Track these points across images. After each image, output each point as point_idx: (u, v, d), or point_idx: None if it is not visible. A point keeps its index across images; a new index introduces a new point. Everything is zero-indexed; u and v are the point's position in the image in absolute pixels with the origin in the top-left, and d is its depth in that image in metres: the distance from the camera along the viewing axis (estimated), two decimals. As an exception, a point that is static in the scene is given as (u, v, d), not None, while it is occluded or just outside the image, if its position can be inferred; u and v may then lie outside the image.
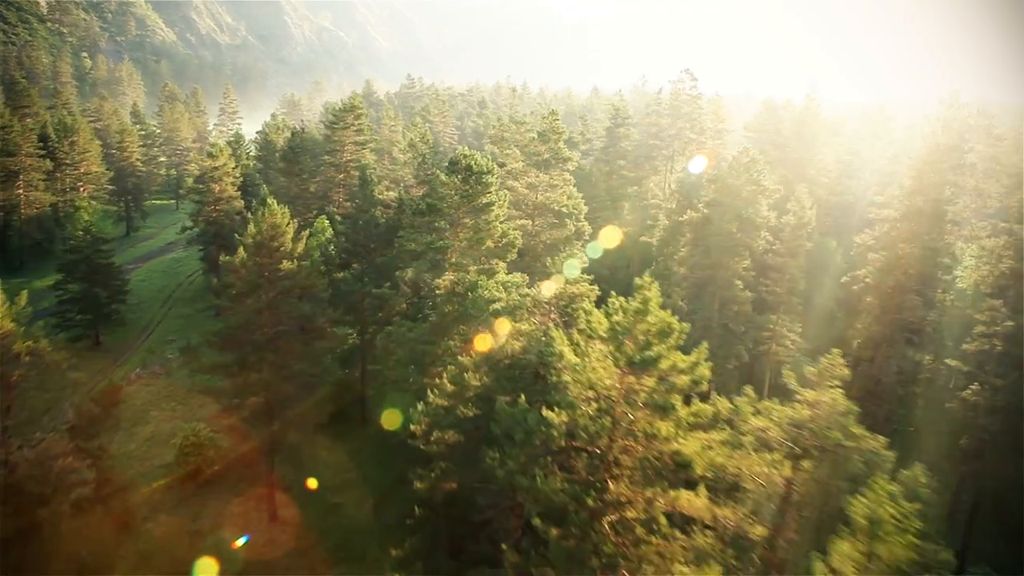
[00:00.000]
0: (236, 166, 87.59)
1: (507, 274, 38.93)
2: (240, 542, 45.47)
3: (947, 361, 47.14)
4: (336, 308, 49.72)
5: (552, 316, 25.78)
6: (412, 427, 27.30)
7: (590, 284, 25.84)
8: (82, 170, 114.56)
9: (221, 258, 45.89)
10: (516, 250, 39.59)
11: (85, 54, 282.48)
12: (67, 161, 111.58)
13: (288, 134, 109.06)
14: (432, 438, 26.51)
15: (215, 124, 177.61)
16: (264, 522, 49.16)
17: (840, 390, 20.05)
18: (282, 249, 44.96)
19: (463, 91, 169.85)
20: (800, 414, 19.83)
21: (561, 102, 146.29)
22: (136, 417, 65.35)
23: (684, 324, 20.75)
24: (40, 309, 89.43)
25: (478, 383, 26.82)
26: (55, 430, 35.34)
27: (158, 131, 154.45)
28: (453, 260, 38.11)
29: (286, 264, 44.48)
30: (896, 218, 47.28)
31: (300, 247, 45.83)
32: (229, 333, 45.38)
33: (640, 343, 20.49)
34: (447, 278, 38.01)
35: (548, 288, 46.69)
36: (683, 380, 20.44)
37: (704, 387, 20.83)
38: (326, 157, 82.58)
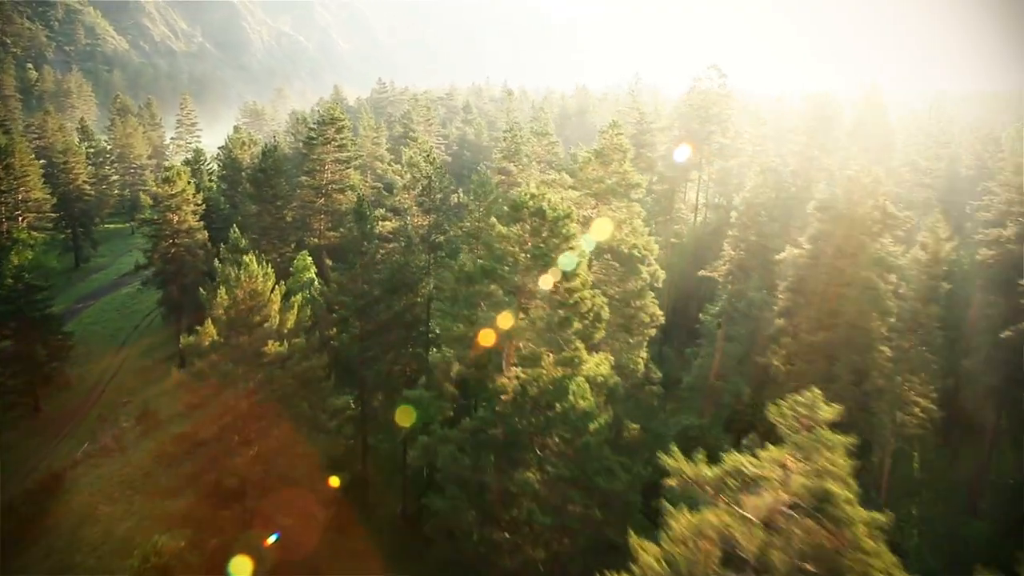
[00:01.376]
0: (197, 191, 74.05)
1: (594, 361, 26.84)
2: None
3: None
4: (339, 395, 37.18)
5: (792, 506, 14.03)
6: None
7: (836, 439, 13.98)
8: (20, 197, 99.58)
9: (182, 339, 33.19)
10: (604, 325, 27.56)
11: (31, 65, 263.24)
12: (1, 187, 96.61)
13: (255, 149, 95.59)
14: None
15: (172, 138, 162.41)
16: None
17: None
18: (266, 325, 32.30)
19: (441, 95, 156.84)
20: None
21: (553, 104, 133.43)
22: (82, 514, 51.94)
23: None
24: (-33, 371, 75.40)
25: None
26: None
27: (109, 147, 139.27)
28: (522, 348, 25.86)
29: (273, 346, 31.82)
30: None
31: (291, 320, 33.17)
32: (199, 443, 32.66)
33: None
34: (514, 375, 25.75)
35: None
36: None
37: None
38: (303, 178, 69.62)
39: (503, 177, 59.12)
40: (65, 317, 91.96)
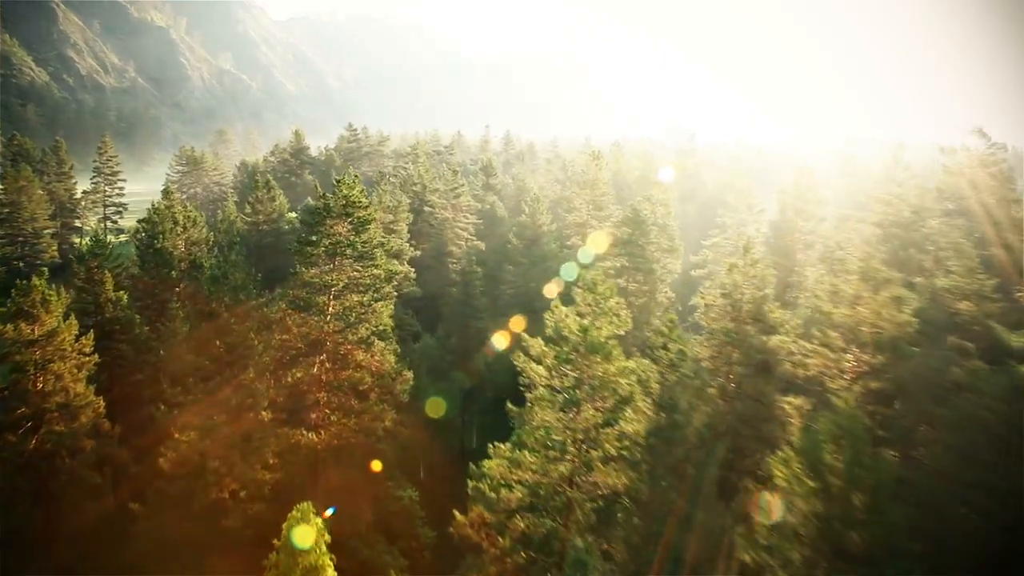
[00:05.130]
0: (88, 330, 39.36)
1: None
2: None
3: None
4: None
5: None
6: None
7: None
8: None
9: None
10: None
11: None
12: None
13: (194, 232, 60.33)
14: None
15: (85, 191, 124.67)
16: None
17: None
18: None
19: (439, 147, 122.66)
20: None
21: (567, 158, 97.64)
22: None
23: None
24: None
25: None
26: None
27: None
28: None
29: None
30: None
31: None
32: None
33: None
34: None
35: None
36: None
37: None
38: (290, 320, 35.30)
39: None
40: None
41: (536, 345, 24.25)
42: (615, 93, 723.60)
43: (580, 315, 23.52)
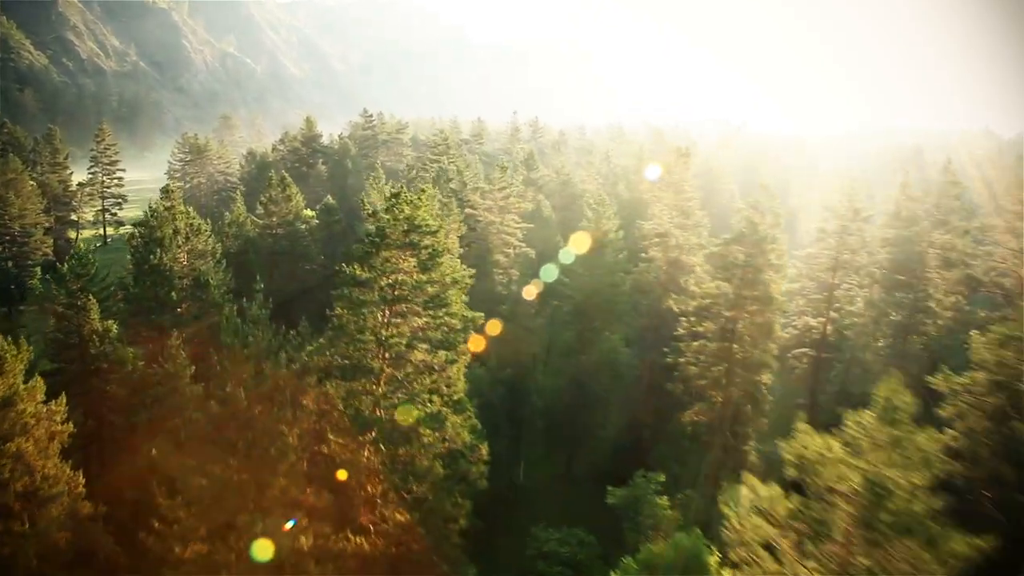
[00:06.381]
0: (58, 374, 29.67)
1: None
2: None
3: None
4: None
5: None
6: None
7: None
8: None
9: None
10: None
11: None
12: None
13: (198, 243, 50.28)
14: None
15: (80, 183, 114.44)
16: None
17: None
18: None
19: (466, 136, 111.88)
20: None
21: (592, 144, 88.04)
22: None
23: None
24: None
25: None
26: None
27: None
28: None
29: None
30: None
31: None
32: None
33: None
34: None
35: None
36: None
37: None
38: (333, 385, 25.43)
39: None
40: None
41: (770, 497, 14.38)
42: (619, 79, 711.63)
43: (855, 453, 13.66)
